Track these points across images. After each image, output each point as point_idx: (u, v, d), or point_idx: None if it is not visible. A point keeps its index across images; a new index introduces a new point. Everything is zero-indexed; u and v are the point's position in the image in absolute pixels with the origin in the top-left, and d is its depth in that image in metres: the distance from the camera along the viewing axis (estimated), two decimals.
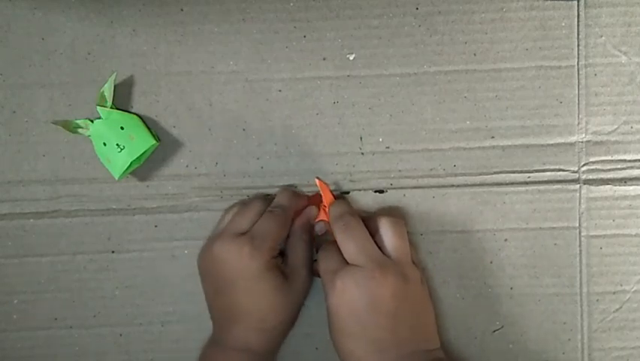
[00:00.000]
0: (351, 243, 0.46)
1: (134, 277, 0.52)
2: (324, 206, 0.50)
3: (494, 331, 0.52)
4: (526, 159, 0.50)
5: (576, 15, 0.49)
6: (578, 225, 0.51)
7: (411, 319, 0.45)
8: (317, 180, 0.50)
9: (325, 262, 0.47)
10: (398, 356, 0.44)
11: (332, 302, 0.45)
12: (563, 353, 0.52)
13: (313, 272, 0.50)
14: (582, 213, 0.51)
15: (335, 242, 0.47)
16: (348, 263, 0.46)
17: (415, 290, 0.46)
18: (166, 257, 0.52)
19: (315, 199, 0.51)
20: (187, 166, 0.51)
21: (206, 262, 0.48)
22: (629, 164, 0.51)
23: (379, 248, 0.46)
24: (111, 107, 0.49)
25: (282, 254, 0.49)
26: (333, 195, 0.50)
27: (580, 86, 0.50)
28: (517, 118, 0.50)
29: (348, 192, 0.51)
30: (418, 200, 0.51)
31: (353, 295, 0.44)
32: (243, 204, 0.50)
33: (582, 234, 0.51)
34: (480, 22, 0.49)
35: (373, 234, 0.47)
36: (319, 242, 0.50)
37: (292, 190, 0.50)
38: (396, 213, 0.51)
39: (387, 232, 0.47)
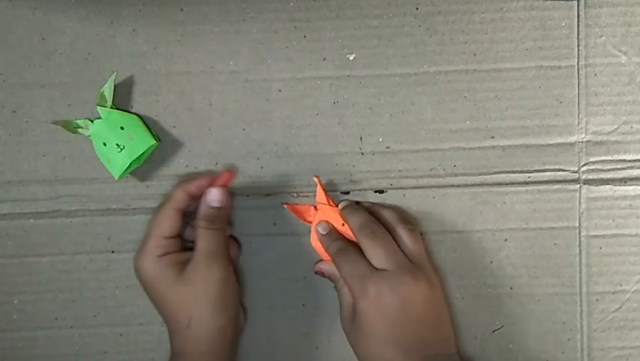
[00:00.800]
0: (380, 249, 0.46)
1: (134, 277, 0.52)
2: (319, 204, 0.50)
3: (494, 331, 0.52)
4: (526, 159, 0.51)
5: (576, 15, 0.49)
6: (577, 225, 0.51)
7: (435, 322, 0.46)
8: (315, 179, 0.50)
9: (351, 267, 0.46)
10: (424, 358, 0.45)
11: (364, 306, 0.45)
12: (563, 353, 0.52)
13: (316, 272, 0.50)
14: (582, 213, 0.51)
15: (353, 247, 0.48)
16: (375, 269, 0.46)
17: (439, 294, 0.47)
18: None
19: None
20: (187, 166, 0.51)
21: None
22: (629, 164, 0.51)
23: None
24: (111, 107, 0.49)
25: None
26: (327, 197, 0.50)
27: (580, 86, 0.50)
28: (517, 118, 0.50)
29: (348, 192, 0.51)
30: (418, 200, 0.51)
31: (387, 300, 0.44)
32: None
33: (582, 234, 0.51)
34: (480, 22, 0.49)
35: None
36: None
37: (182, 181, 0.49)
38: (405, 212, 0.51)
39: (406, 238, 0.48)
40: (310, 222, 0.50)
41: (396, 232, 0.48)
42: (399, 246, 0.47)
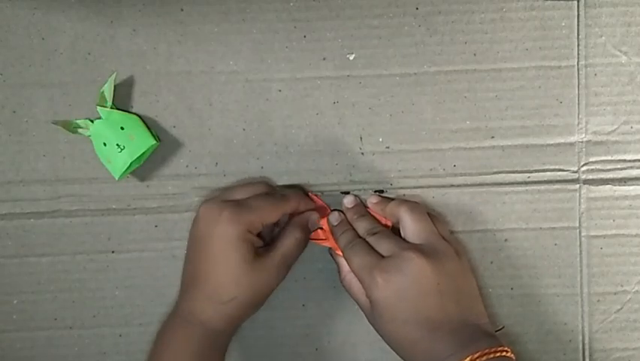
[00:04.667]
0: (383, 239, 0.47)
1: (134, 277, 0.52)
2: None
3: (495, 331, 0.52)
4: (526, 159, 0.50)
5: (576, 15, 0.49)
6: (578, 225, 0.51)
7: (455, 293, 0.46)
8: (310, 194, 0.51)
9: (359, 259, 0.47)
10: (450, 331, 0.44)
11: (379, 295, 0.45)
12: (564, 354, 0.52)
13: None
14: (582, 213, 0.51)
15: (360, 242, 0.48)
16: (381, 257, 0.46)
17: (451, 264, 0.47)
18: (166, 257, 0.52)
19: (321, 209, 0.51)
20: (187, 166, 0.51)
21: (192, 224, 0.49)
22: (629, 164, 0.51)
23: (406, 236, 0.48)
24: (111, 107, 0.49)
25: (266, 245, 0.49)
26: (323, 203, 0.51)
27: (580, 86, 0.50)
28: (517, 118, 0.50)
29: (348, 192, 0.51)
30: (418, 200, 0.51)
31: (398, 282, 0.45)
32: (249, 182, 0.51)
33: (582, 234, 0.51)
34: (480, 22, 0.49)
35: (395, 222, 0.49)
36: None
37: (304, 191, 0.51)
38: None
39: (407, 219, 0.48)
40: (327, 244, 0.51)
41: (400, 211, 0.48)
42: (400, 227, 0.48)
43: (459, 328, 0.45)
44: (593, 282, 0.51)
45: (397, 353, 0.46)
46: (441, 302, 0.45)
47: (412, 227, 0.48)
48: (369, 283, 0.45)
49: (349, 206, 0.51)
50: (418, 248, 0.46)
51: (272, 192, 0.49)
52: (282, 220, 0.50)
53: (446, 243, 0.47)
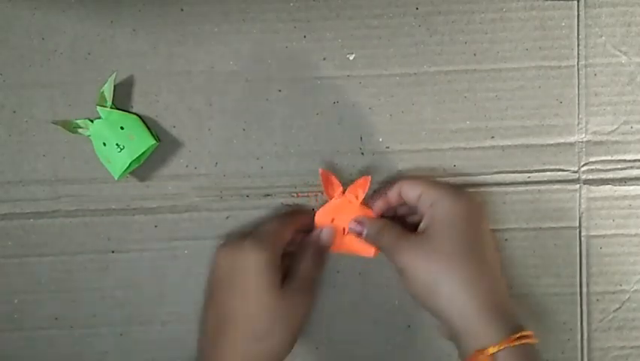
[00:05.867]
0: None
1: (134, 277, 0.52)
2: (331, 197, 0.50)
3: None
4: (526, 159, 0.51)
5: (576, 15, 0.49)
6: (577, 225, 0.51)
7: (488, 249, 0.46)
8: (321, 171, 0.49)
9: (386, 240, 0.47)
10: (489, 290, 0.44)
11: (408, 268, 0.45)
12: (563, 353, 0.52)
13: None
14: (582, 213, 0.51)
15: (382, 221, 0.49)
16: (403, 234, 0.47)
17: (478, 215, 0.47)
18: (166, 257, 0.52)
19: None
20: (187, 166, 0.51)
21: (210, 272, 0.48)
22: (629, 164, 0.51)
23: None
24: (111, 107, 0.49)
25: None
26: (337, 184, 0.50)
27: (580, 86, 0.50)
28: (517, 118, 0.50)
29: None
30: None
31: (440, 235, 0.45)
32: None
33: (582, 234, 0.51)
34: (480, 22, 0.49)
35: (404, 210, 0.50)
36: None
37: (297, 213, 0.50)
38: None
39: (409, 195, 0.48)
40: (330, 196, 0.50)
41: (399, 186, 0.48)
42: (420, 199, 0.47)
43: (496, 291, 0.44)
44: (592, 281, 0.51)
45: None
46: (480, 249, 0.45)
47: (415, 198, 0.47)
48: (398, 260, 0.45)
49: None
50: (436, 200, 0.46)
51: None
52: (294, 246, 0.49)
53: (465, 195, 0.47)
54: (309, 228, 0.50)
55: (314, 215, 0.50)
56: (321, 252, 0.49)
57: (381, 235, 0.47)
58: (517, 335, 0.42)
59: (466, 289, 0.43)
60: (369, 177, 0.49)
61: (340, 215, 0.50)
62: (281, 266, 0.46)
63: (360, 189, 0.49)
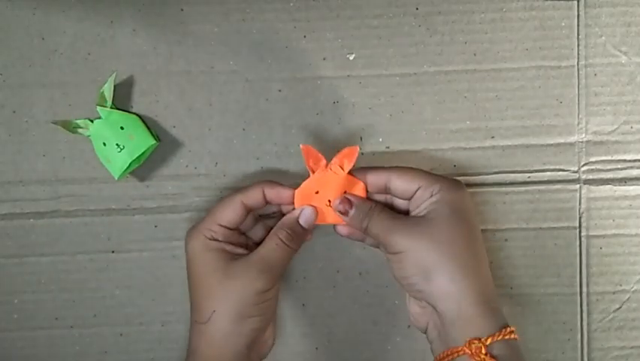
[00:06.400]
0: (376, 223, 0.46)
1: (134, 277, 0.52)
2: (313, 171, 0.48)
3: None
4: (526, 159, 0.51)
5: (576, 15, 0.49)
6: (578, 225, 0.51)
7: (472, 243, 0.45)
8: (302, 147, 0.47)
9: (376, 227, 0.46)
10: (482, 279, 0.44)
11: (400, 253, 0.44)
12: (563, 353, 0.52)
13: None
14: (582, 213, 0.51)
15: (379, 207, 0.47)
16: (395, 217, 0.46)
17: (465, 203, 0.46)
18: (166, 257, 0.52)
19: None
20: (187, 166, 0.51)
21: None
22: (629, 164, 0.51)
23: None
24: (111, 107, 0.49)
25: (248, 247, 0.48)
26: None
27: (580, 86, 0.50)
28: (517, 118, 0.50)
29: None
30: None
31: (422, 231, 0.44)
32: None
33: (582, 234, 0.51)
34: (480, 22, 0.49)
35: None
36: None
37: (265, 180, 0.48)
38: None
39: (396, 183, 0.46)
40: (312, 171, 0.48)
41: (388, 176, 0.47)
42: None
43: (488, 282, 0.45)
44: (592, 281, 0.51)
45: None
46: (470, 237, 0.45)
47: (400, 186, 0.46)
48: (391, 247, 0.44)
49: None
50: (424, 187, 0.45)
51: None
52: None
53: (450, 180, 0.47)
54: (290, 202, 0.48)
55: (289, 190, 0.47)
56: (293, 233, 0.46)
57: (371, 217, 0.46)
58: (509, 329, 0.42)
59: (464, 278, 0.43)
60: (357, 146, 0.47)
61: (325, 188, 0.47)
62: (236, 242, 0.47)
63: (347, 159, 0.47)
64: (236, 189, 0.48)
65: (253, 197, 0.46)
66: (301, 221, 0.47)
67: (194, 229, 0.46)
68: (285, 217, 0.48)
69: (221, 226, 0.46)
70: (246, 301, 0.44)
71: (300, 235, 0.47)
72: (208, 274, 0.45)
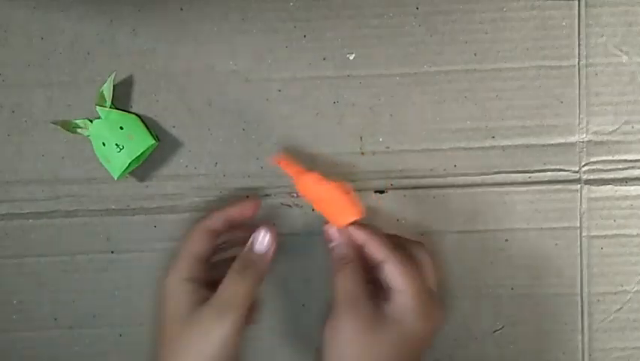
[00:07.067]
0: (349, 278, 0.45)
1: (134, 277, 0.52)
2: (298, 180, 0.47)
3: (494, 331, 0.52)
4: (526, 159, 0.50)
5: (577, 15, 0.49)
6: (578, 225, 0.51)
7: None
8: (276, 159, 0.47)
9: (350, 275, 0.44)
10: None
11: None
12: (564, 354, 0.52)
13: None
14: (583, 213, 0.51)
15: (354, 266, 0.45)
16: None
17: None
18: (166, 257, 0.51)
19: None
20: (187, 166, 0.51)
21: None
22: (630, 164, 0.50)
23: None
24: (110, 107, 0.49)
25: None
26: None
27: (581, 86, 0.50)
28: (517, 118, 0.50)
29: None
30: (418, 200, 0.51)
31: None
32: None
33: (583, 234, 0.51)
34: (480, 21, 0.49)
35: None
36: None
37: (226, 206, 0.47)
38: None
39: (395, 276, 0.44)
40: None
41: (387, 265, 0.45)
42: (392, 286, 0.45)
43: None
44: (593, 282, 0.51)
45: None
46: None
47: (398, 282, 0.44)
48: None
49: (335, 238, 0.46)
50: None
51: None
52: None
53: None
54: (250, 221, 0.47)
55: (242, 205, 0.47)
56: (246, 262, 0.44)
57: (345, 269, 0.44)
58: None
59: None
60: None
61: (327, 196, 0.47)
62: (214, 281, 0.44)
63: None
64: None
65: (214, 220, 0.46)
66: (255, 248, 0.45)
67: (170, 271, 0.44)
68: (241, 247, 0.46)
69: (195, 258, 0.45)
70: (205, 355, 0.41)
71: (255, 261, 0.44)
72: (174, 319, 0.43)
